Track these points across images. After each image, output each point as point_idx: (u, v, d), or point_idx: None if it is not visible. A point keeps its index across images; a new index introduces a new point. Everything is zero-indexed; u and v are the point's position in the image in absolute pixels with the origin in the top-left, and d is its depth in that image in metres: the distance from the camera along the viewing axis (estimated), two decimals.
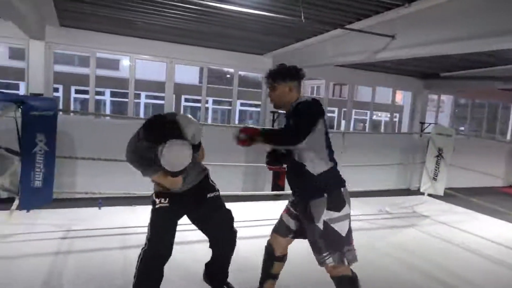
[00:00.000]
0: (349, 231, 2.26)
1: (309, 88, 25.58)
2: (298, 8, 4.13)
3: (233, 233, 2.66)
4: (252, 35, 6.39)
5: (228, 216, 2.65)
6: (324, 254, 2.22)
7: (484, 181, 8.77)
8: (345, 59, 6.08)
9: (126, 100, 7.63)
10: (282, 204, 2.66)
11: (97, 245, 3.32)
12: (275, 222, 2.63)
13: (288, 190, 2.51)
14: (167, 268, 2.41)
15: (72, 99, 18.13)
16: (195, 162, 2.42)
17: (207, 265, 2.78)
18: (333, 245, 2.22)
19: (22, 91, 13.11)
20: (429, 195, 6.71)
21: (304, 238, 2.44)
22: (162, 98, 9.72)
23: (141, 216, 3.85)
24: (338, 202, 2.21)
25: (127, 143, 2.30)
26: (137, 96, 18.20)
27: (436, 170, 6.55)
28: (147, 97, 20.00)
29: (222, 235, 2.62)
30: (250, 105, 22.12)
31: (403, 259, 3.78)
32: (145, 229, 3.72)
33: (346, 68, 8.44)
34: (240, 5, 4.31)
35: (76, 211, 3.61)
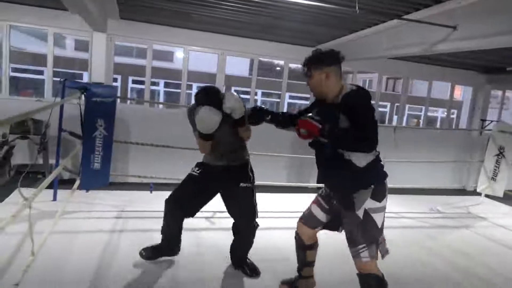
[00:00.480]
0: (383, 224, 2.22)
1: (361, 81, 24.84)
2: None
3: (250, 229, 2.79)
4: (303, 27, 6.32)
5: (251, 212, 2.76)
6: (360, 246, 2.16)
7: None
8: (400, 51, 5.83)
9: (179, 90, 7.89)
10: None
11: (148, 225, 3.52)
12: None
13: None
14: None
15: (129, 89, 19.08)
16: (233, 142, 2.66)
17: (232, 243, 2.99)
18: (369, 236, 2.16)
19: (85, 81, 14.03)
20: (487, 196, 6.30)
21: (332, 230, 2.44)
22: None
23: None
24: (381, 193, 2.17)
25: (189, 106, 2.77)
26: (189, 87, 18.73)
27: (495, 169, 6.12)
28: (198, 88, 20.55)
29: (241, 226, 2.80)
30: (300, 98, 21.96)
31: (454, 260, 3.61)
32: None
33: (400, 61, 8.10)
34: None
35: (130, 193, 3.85)
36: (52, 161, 6.44)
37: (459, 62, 7.86)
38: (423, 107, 10.88)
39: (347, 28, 6.21)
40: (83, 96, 3.27)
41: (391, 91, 24.51)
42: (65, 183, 4.14)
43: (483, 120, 8.61)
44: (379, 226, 2.16)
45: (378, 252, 2.19)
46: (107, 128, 3.51)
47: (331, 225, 2.47)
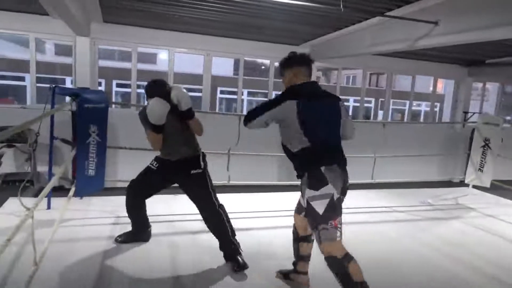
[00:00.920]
0: (329, 210, 2.25)
1: (345, 77, 25.10)
2: None
3: (211, 211, 2.95)
4: (287, 26, 6.37)
5: (205, 194, 2.95)
6: (311, 232, 2.37)
7: None
8: (384, 47, 5.94)
9: None
10: None
11: None
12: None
13: None
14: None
15: (113, 93, 18.84)
16: (182, 136, 2.88)
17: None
18: (313, 223, 2.31)
19: (68, 86, 13.79)
20: (474, 187, 6.47)
21: None
22: (198, 90, 9.92)
23: (184, 204, 4.01)
24: (316, 182, 2.25)
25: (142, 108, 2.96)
26: None
27: (482, 161, 6.29)
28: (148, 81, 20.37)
29: (201, 210, 3.01)
30: None
31: (447, 251, 3.71)
32: (187, 217, 3.91)
33: (384, 56, 8.23)
34: None
35: (122, 198, 3.80)
36: (40, 169, 6.36)
37: (442, 56, 8.04)
38: (407, 102, 11.06)
39: (331, 26, 6.28)
40: (74, 102, 3.23)
41: (375, 86, 24.85)
42: (56, 190, 4.09)
43: (466, 113, 8.83)
44: (321, 213, 2.23)
45: (319, 238, 2.26)
46: (100, 134, 3.49)
47: None
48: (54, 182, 3.11)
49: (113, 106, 10.71)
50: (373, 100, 23.12)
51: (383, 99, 12.85)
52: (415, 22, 4.65)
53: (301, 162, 2.36)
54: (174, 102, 2.69)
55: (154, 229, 3.36)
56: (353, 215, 4.52)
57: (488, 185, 6.26)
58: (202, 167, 2.98)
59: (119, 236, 3.28)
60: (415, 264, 3.38)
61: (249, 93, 21.80)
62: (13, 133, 1.56)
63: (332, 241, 2.25)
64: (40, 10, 5.78)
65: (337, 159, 2.38)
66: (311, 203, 2.26)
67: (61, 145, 5.13)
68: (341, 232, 2.27)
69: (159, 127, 2.68)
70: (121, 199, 3.99)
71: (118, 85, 18.90)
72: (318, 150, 2.32)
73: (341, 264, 2.22)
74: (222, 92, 21.27)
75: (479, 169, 6.32)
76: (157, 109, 2.60)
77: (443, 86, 19.67)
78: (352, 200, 5.22)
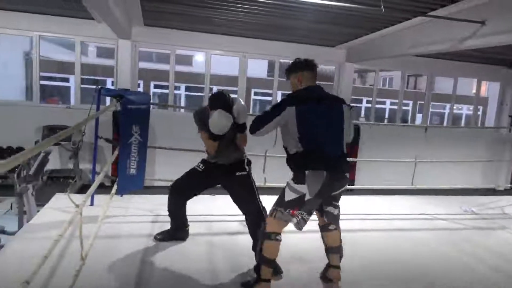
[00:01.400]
0: (292, 203, 2.46)
1: (381, 79, 24.52)
2: None
3: (255, 213, 2.93)
4: (323, 27, 6.31)
5: (250, 195, 2.97)
6: (272, 207, 2.57)
7: None
8: (426, 49, 5.75)
9: (200, 94, 8.01)
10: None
11: None
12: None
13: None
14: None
15: (151, 94, 19.40)
16: (233, 143, 2.97)
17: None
18: (276, 200, 2.57)
19: (109, 86, 14.33)
20: None
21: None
22: (233, 92, 10.02)
23: (222, 205, 4.05)
24: (299, 178, 2.47)
25: (198, 108, 3.14)
26: (210, 90, 18.89)
27: None
28: (213, 92, 20.66)
29: (245, 211, 3.02)
30: None
31: (491, 262, 3.52)
32: (225, 217, 3.95)
33: (424, 58, 7.97)
34: None
35: (161, 197, 3.89)
36: (82, 166, 6.65)
37: (487, 57, 7.69)
38: (447, 105, 10.63)
39: (369, 27, 6.16)
40: (118, 103, 3.36)
41: (413, 88, 24.09)
42: (97, 187, 4.25)
43: None
44: (285, 200, 2.49)
45: (273, 213, 2.51)
46: (142, 134, 3.60)
47: None
48: (99, 179, 3.24)
49: (151, 107, 11.06)
50: (411, 103, 22.37)
51: (421, 102, 12.42)
52: (460, 22, 4.47)
53: (294, 163, 2.54)
54: (234, 115, 2.81)
55: (192, 228, 3.41)
56: (391, 222, 4.39)
57: None
58: (247, 170, 3.07)
59: (158, 234, 3.34)
60: (456, 275, 3.24)
61: (283, 95, 21.79)
62: (65, 134, 1.64)
63: (280, 221, 2.51)
64: (86, 15, 6.07)
65: (329, 165, 2.46)
66: (285, 188, 2.52)
67: (102, 143, 5.34)
68: (297, 220, 2.47)
69: (219, 136, 2.81)
70: (160, 198, 4.10)
71: (156, 86, 19.43)
72: (309, 155, 2.47)
73: (263, 236, 2.55)
74: (256, 93, 21.35)
75: None
76: (221, 122, 2.72)
77: (487, 88, 18.77)
78: (391, 206, 5.10)
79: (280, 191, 2.58)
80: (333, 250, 2.76)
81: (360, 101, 21.35)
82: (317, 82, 2.73)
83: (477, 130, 8.88)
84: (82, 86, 7.49)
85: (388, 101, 22.37)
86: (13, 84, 11.53)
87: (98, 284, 2.57)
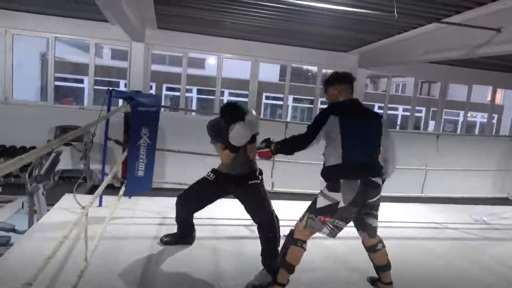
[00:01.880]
0: (325, 210, 2.49)
1: (394, 85, 24.30)
2: (390, 2, 3.93)
3: (266, 221, 2.90)
4: (336, 32, 6.29)
5: (261, 203, 2.95)
6: (303, 213, 2.60)
7: None
8: (440, 55, 5.68)
9: (211, 97, 8.04)
10: None
11: None
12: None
13: None
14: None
15: (163, 96, 19.56)
16: (245, 153, 2.96)
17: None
18: (308, 207, 2.59)
19: (122, 88, 14.51)
20: None
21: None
22: (244, 95, 10.03)
23: (229, 210, 4.04)
24: (333, 185, 2.50)
25: (211, 120, 3.07)
26: (221, 93, 18.94)
27: None
28: (230, 94, 20.74)
29: (256, 220, 2.98)
30: None
31: (502, 273, 3.43)
32: (232, 222, 3.94)
33: (438, 64, 7.87)
34: (327, 2, 4.25)
35: (169, 200, 3.91)
36: (92, 167, 6.73)
37: (502, 64, 7.56)
38: (461, 112, 10.48)
39: (382, 33, 6.11)
40: (128, 105, 3.39)
41: (426, 95, 23.80)
42: (106, 188, 4.29)
43: None
44: (317, 207, 2.53)
45: (304, 220, 2.54)
46: (151, 136, 3.62)
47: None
48: (108, 180, 3.26)
49: (162, 109, 11.14)
50: (423, 109, 22.10)
51: (434, 109, 12.25)
52: (474, 29, 4.40)
53: (330, 172, 2.55)
54: (248, 125, 2.82)
55: (199, 232, 3.41)
56: (401, 230, 4.32)
57: None
58: (260, 179, 3.08)
59: (165, 236, 3.34)
60: (466, 287, 3.17)
61: (294, 99, 21.71)
62: (74, 135, 1.66)
63: (310, 229, 2.53)
64: (101, 17, 6.17)
65: (363, 175, 2.49)
66: (318, 195, 2.55)
67: (112, 145, 5.38)
68: (330, 229, 2.50)
69: (237, 148, 2.84)
70: (167, 200, 4.11)
71: (168, 89, 19.60)
72: (346, 166, 2.48)
73: (289, 241, 2.57)
74: (267, 97, 21.35)
75: None
76: (243, 134, 2.74)
77: (502, 96, 18.45)
78: (400, 213, 5.02)
79: (313, 199, 2.61)
80: (382, 268, 2.78)
81: (372, 107, 21.19)
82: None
83: (490, 139, 8.71)
84: (96, 87, 7.59)
85: (400, 107, 22.13)
86: (28, 84, 11.75)
87: (101, 285, 2.58)
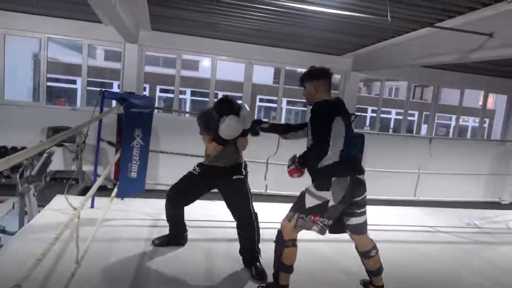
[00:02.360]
0: (314, 209, 2.47)
1: (387, 89, 24.46)
2: (383, 6, 3.96)
3: (245, 217, 2.96)
4: (330, 36, 6.32)
5: (243, 199, 2.98)
6: (288, 212, 2.58)
7: None
8: (433, 59, 5.72)
9: (205, 99, 8.03)
10: None
11: None
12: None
13: None
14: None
15: (157, 98, 19.48)
16: (233, 146, 2.99)
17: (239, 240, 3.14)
18: (295, 206, 2.57)
19: (115, 89, 14.42)
20: None
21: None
22: (238, 98, 10.02)
23: (221, 211, 4.02)
24: (323, 183, 2.47)
25: (201, 110, 3.13)
26: (215, 95, 18.92)
27: None
28: (222, 96, 20.69)
29: (236, 216, 3.02)
30: None
31: (499, 279, 3.46)
32: (224, 223, 3.92)
33: (431, 69, 7.94)
34: (321, 5, 4.28)
35: (162, 201, 3.88)
36: (84, 168, 6.66)
37: (494, 69, 7.65)
38: (453, 116, 10.57)
39: (376, 36, 6.15)
40: (121, 106, 3.37)
41: (419, 99, 23.98)
42: (98, 190, 4.25)
43: None
44: (306, 207, 2.49)
45: (292, 220, 2.51)
46: (144, 138, 3.60)
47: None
48: (100, 182, 3.23)
49: (156, 111, 11.10)
50: (416, 113, 22.27)
51: (427, 113, 12.35)
52: (467, 33, 4.45)
53: (322, 171, 2.48)
54: (241, 120, 2.86)
55: (191, 234, 3.39)
56: (393, 233, 4.34)
57: None
58: (244, 174, 3.09)
59: (157, 238, 3.32)
60: None
61: (288, 102, 21.76)
62: (64, 136, 1.64)
63: (300, 228, 2.53)
64: (94, 18, 6.13)
65: (353, 173, 2.49)
66: (306, 194, 2.51)
67: (105, 146, 5.34)
68: (320, 227, 2.48)
69: (226, 140, 2.87)
70: (160, 202, 4.07)
71: (162, 90, 19.53)
72: (342, 164, 2.47)
73: (281, 244, 2.56)
74: (261, 100, 21.37)
75: None
76: (234, 128, 2.78)
77: (494, 101, 18.66)
78: (393, 217, 5.04)
79: (298, 198, 2.58)
80: (374, 273, 2.77)
81: (366, 110, 21.30)
82: None
83: (482, 143, 8.80)
84: (89, 88, 7.53)
85: (393, 111, 22.29)
86: (20, 85, 11.64)
87: (92, 287, 2.55)
